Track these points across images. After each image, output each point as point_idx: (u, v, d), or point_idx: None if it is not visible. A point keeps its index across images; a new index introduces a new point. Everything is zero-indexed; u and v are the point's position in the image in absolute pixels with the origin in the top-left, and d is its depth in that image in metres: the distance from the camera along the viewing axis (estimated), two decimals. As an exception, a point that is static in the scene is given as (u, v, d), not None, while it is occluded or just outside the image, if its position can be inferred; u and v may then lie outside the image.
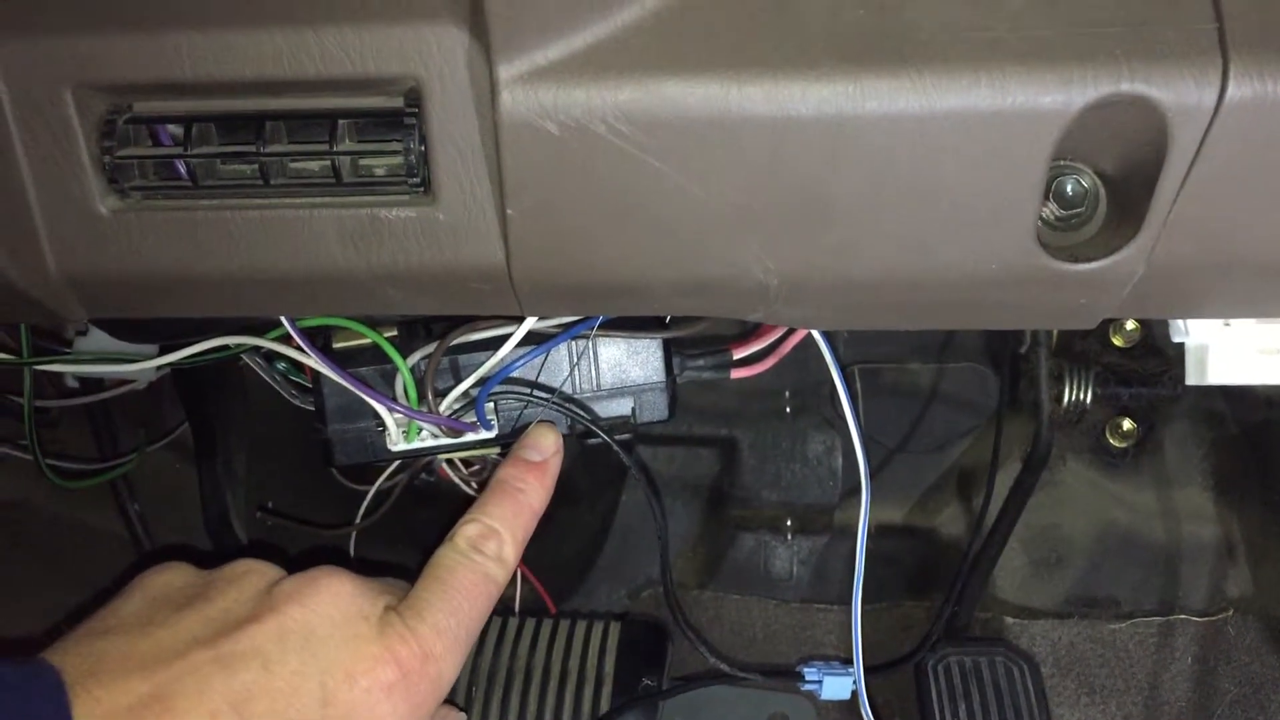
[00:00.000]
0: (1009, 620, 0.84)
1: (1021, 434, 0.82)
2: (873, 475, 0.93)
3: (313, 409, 0.63)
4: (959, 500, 0.91)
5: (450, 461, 0.82)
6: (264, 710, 0.47)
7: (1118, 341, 0.86)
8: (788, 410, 0.94)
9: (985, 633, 0.83)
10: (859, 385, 0.94)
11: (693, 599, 0.90)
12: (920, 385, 0.94)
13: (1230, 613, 0.82)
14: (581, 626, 0.73)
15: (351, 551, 0.82)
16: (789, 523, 0.93)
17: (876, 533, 0.92)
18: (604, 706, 0.70)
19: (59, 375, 0.77)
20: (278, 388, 0.65)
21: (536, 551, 0.88)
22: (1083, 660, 0.82)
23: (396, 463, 0.79)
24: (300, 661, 0.49)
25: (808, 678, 0.73)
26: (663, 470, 0.94)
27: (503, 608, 0.83)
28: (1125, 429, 0.87)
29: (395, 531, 0.86)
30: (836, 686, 0.71)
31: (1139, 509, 0.87)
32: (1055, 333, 0.82)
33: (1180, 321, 0.56)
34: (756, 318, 0.52)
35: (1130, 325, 0.85)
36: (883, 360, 0.94)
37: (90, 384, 0.78)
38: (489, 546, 0.58)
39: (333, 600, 0.52)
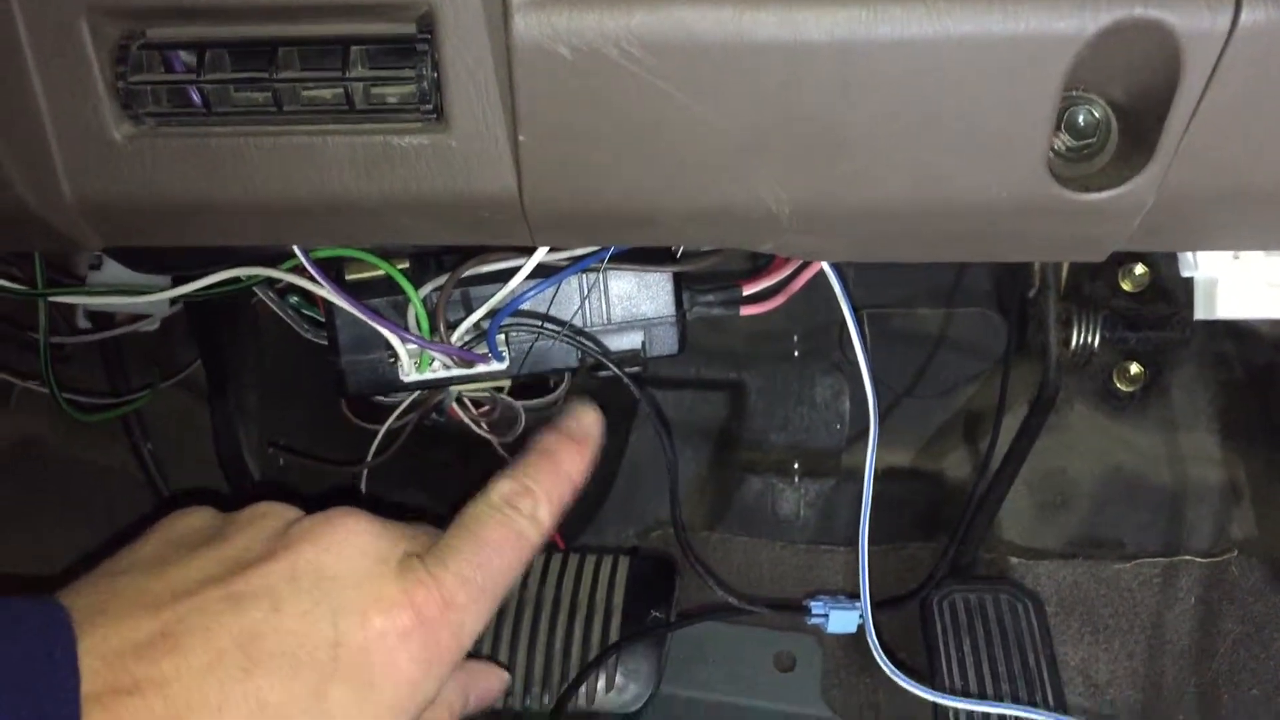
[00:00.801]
0: (1014, 560, 0.85)
1: (1029, 378, 0.83)
2: (880, 419, 0.94)
3: (325, 343, 0.63)
4: (966, 444, 0.92)
5: (460, 401, 0.82)
6: (272, 649, 0.45)
7: (1126, 286, 0.86)
8: (796, 354, 0.94)
9: (990, 572, 0.84)
10: (867, 330, 0.94)
11: (700, 541, 0.91)
12: (928, 330, 0.94)
13: (1234, 554, 0.83)
14: (591, 561, 0.74)
15: (363, 491, 0.83)
16: (796, 466, 0.93)
17: (883, 475, 0.92)
18: (613, 638, 0.71)
19: (71, 313, 0.78)
20: (290, 322, 0.65)
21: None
22: (1086, 600, 0.83)
23: (406, 402, 0.80)
24: (312, 601, 0.48)
25: (814, 611, 0.74)
26: (671, 413, 0.95)
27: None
28: (1132, 373, 0.88)
29: (406, 472, 0.87)
30: (843, 620, 0.72)
31: (1145, 452, 0.88)
32: (1064, 276, 0.82)
33: (1189, 255, 0.56)
34: (768, 248, 0.52)
35: (1139, 270, 0.85)
36: (891, 305, 0.94)
37: (102, 323, 0.78)
38: (524, 504, 0.57)
39: (349, 540, 0.51)
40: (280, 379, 0.83)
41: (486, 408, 0.87)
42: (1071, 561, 0.84)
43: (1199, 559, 0.83)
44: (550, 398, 0.86)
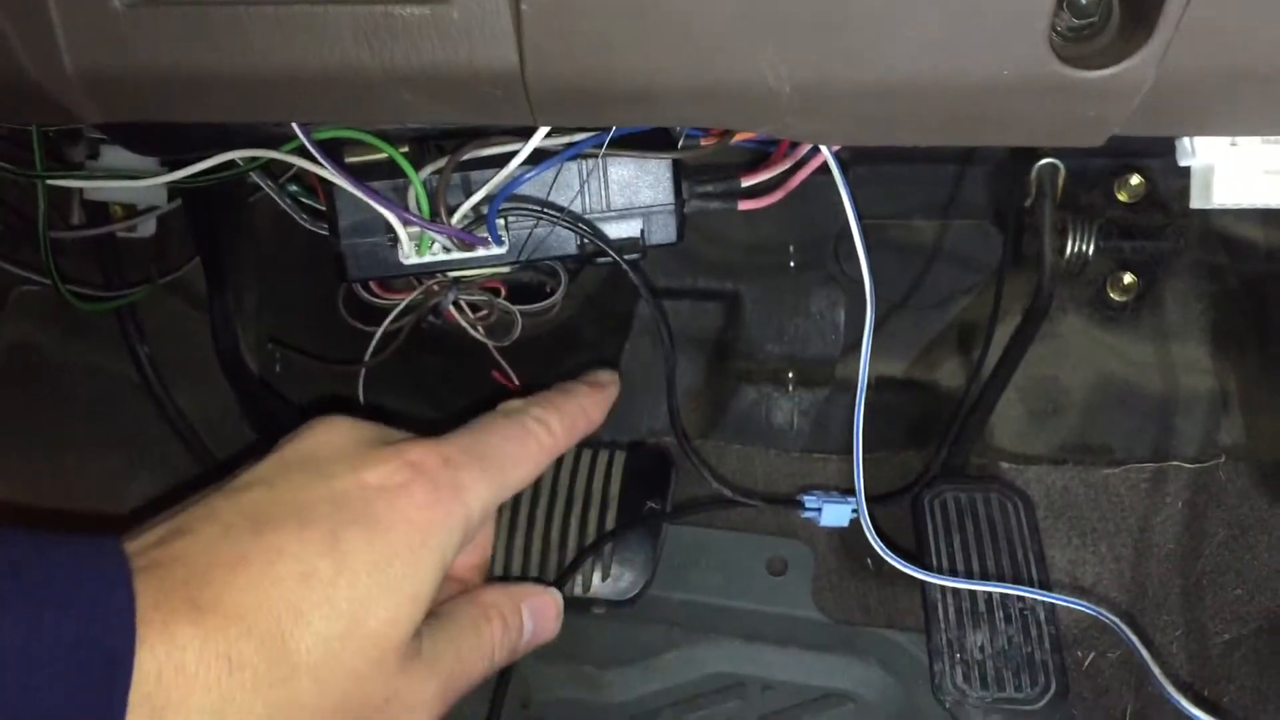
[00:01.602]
0: (1004, 465, 0.86)
1: (1023, 290, 0.83)
2: (876, 330, 0.94)
3: (325, 233, 0.64)
4: (960, 354, 0.93)
5: (457, 305, 0.83)
6: (276, 514, 0.47)
7: (1122, 197, 0.86)
8: (792, 265, 0.95)
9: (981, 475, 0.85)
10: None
11: (694, 448, 0.92)
12: (924, 242, 0.94)
13: (1222, 460, 0.84)
14: (587, 454, 0.75)
15: (360, 393, 0.83)
16: (791, 375, 0.94)
17: (877, 385, 0.93)
18: (609, 528, 0.72)
19: (68, 210, 0.78)
20: (289, 210, 0.65)
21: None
22: (1075, 504, 0.84)
23: (403, 304, 0.80)
24: (305, 476, 0.49)
25: (807, 505, 0.74)
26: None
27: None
28: (1126, 283, 0.88)
29: (402, 375, 0.87)
30: (836, 514, 0.73)
31: (1136, 361, 0.88)
32: (1060, 186, 0.82)
33: (1187, 142, 0.56)
34: (768, 130, 0.52)
35: (1135, 180, 0.86)
36: (887, 217, 0.94)
37: (98, 220, 0.78)
38: (533, 411, 0.59)
39: (333, 429, 0.53)
40: (278, 280, 0.83)
41: (483, 312, 0.87)
42: (1061, 467, 0.85)
43: (1187, 465, 0.84)
44: (547, 302, 0.87)
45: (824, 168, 0.62)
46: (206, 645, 0.42)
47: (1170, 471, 0.84)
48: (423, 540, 0.48)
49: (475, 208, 0.59)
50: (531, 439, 0.57)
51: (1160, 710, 0.78)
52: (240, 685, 0.42)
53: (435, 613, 0.52)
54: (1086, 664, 0.80)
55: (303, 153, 0.56)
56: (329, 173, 0.55)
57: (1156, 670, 0.59)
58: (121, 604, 0.41)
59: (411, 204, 0.58)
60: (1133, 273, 0.88)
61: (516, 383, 0.86)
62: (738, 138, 0.61)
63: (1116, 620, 0.64)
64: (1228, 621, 0.79)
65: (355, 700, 0.46)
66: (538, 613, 0.59)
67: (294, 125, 0.54)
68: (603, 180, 0.61)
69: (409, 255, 0.61)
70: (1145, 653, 0.61)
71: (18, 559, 0.40)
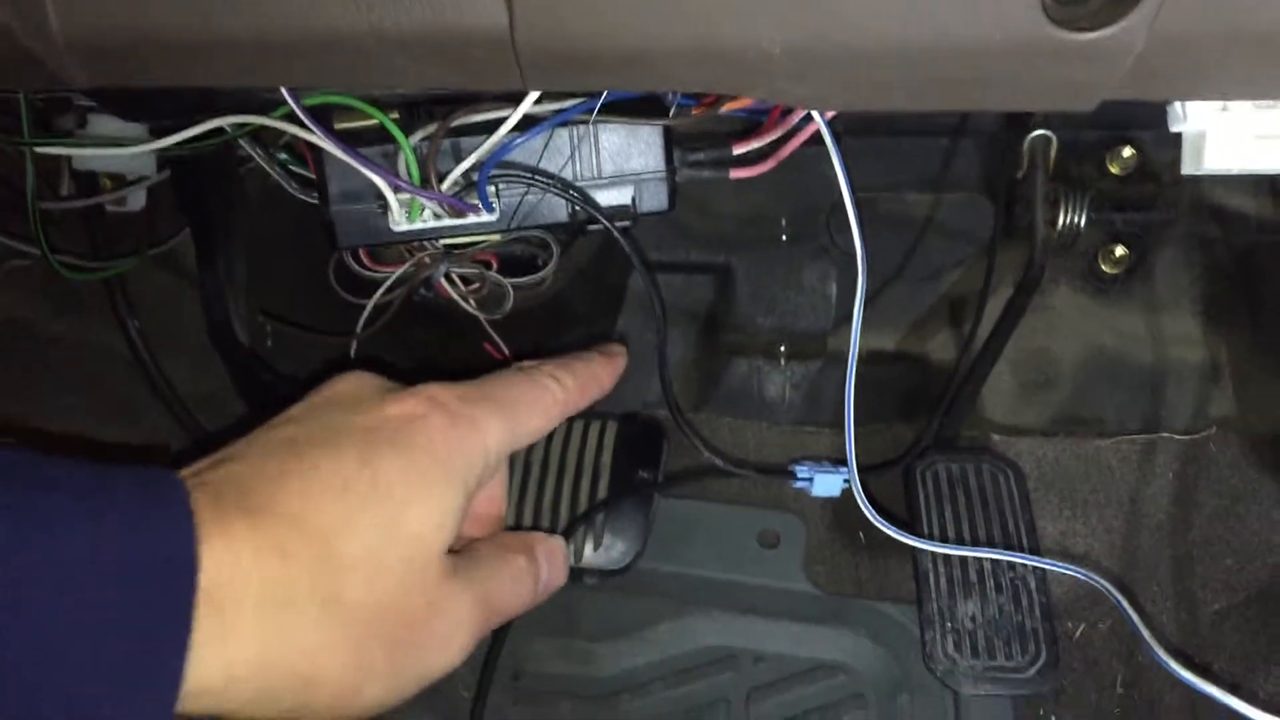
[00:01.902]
0: (996, 438, 0.86)
1: (1015, 262, 0.83)
2: (868, 303, 0.94)
3: (315, 202, 0.63)
4: (951, 327, 0.93)
5: (449, 278, 0.82)
6: (308, 441, 0.50)
7: (1114, 169, 0.86)
8: (784, 238, 0.94)
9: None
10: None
11: (687, 421, 0.92)
12: (916, 215, 0.94)
13: (1212, 431, 0.84)
14: (579, 425, 0.75)
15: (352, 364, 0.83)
16: (783, 348, 0.94)
17: (868, 358, 0.93)
18: (601, 497, 0.72)
19: (56, 180, 0.77)
20: (279, 178, 0.65)
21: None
22: (1066, 475, 0.84)
23: (394, 276, 0.80)
24: (328, 416, 0.53)
25: (799, 475, 0.74)
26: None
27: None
28: (1117, 255, 0.88)
29: (393, 348, 0.87)
30: (827, 483, 0.73)
31: (1128, 333, 0.89)
32: (1052, 158, 0.82)
33: (1178, 108, 0.56)
34: (760, 95, 0.52)
35: (1126, 152, 0.86)
36: (880, 190, 0.94)
37: (87, 190, 0.78)
38: (545, 368, 0.62)
39: (355, 378, 0.57)
40: (269, 252, 0.83)
41: (475, 285, 0.87)
42: (1052, 439, 0.85)
43: (1178, 436, 0.84)
44: (539, 275, 0.86)
45: (815, 139, 0.62)
46: (261, 540, 0.45)
47: (1161, 443, 0.84)
48: (448, 459, 0.52)
49: (465, 174, 0.58)
50: (546, 392, 0.61)
51: (1150, 681, 0.78)
52: (293, 577, 0.45)
53: (462, 551, 0.56)
54: (1077, 635, 0.81)
55: (292, 119, 0.56)
56: (318, 138, 0.55)
57: (1146, 633, 0.60)
58: (179, 513, 0.43)
59: (402, 170, 0.58)
60: (1124, 245, 0.88)
61: (508, 354, 0.86)
62: (729, 106, 0.61)
63: (1106, 584, 0.64)
64: (1218, 591, 0.80)
65: (399, 601, 0.49)
66: (550, 556, 0.62)
67: (283, 91, 0.53)
68: (594, 147, 0.61)
69: (399, 222, 0.60)
70: (1135, 617, 0.62)
71: (79, 484, 0.42)
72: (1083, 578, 0.67)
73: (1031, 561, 0.69)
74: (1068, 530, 0.83)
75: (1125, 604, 0.64)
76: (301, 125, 0.55)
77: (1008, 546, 0.71)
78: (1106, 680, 0.79)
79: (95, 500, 0.42)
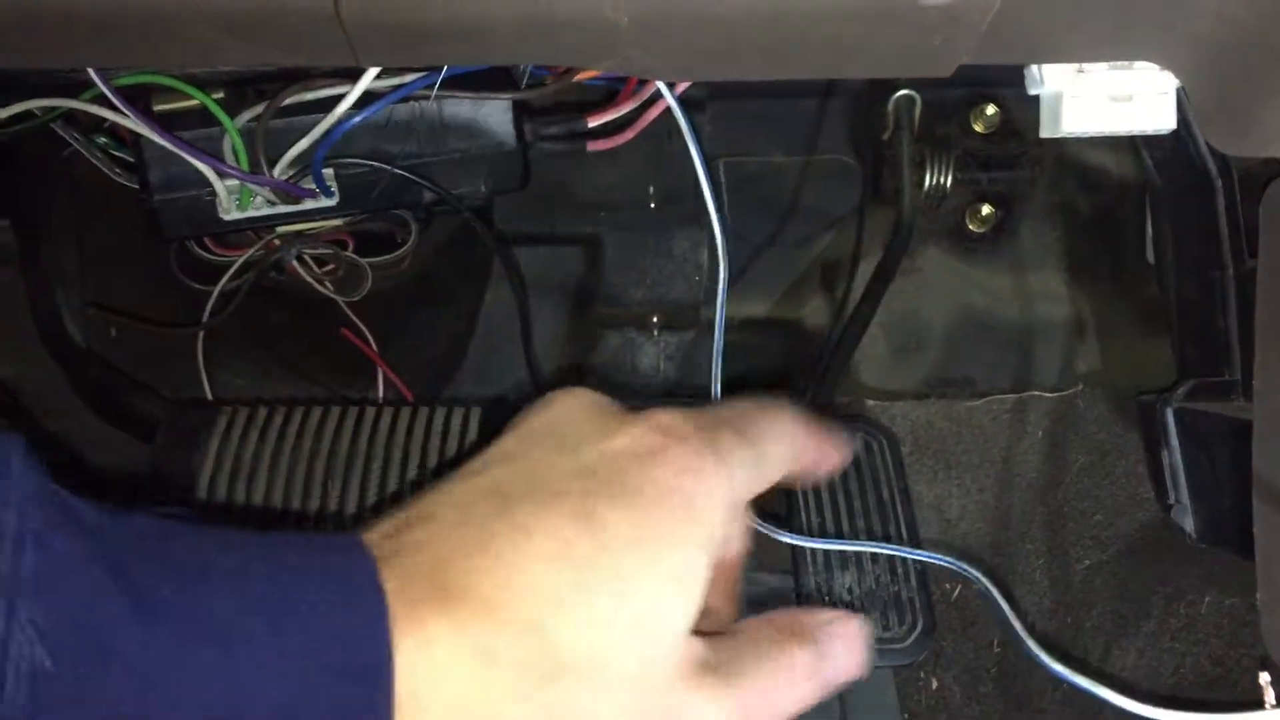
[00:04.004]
0: (869, 403, 0.86)
1: (885, 225, 0.83)
2: (740, 271, 0.93)
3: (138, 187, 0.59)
4: (824, 292, 0.92)
5: (301, 259, 0.78)
6: (520, 490, 0.41)
7: (978, 127, 0.86)
8: (653, 207, 0.92)
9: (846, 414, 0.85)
10: (724, 179, 0.93)
11: None
12: (786, 178, 0.93)
13: (1080, 387, 0.85)
14: (442, 413, 0.72)
15: (200, 361, 0.79)
16: (655, 319, 0.92)
17: (741, 326, 0.92)
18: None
19: None
20: (98, 164, 0.60)
21: (398, 353, 0.86)
22: (940, 438, 0.84)
23: (241, 260, 0.76)
24: (545, 450, 0.43)
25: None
26: (526, 271, 0.92)
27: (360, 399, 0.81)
28: (984, 214, 0.88)
29: (246, 338, 0.83)
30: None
31: (995, 292, 0.89)
32: (917, 118, 0.81)
33: (1035, 70, 0.55)
34: (608, 67, 0.49)
35: (990, 110, 0.86)
36: (747, 154, 0.92)
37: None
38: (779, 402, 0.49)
39: (573, 399, 0.46)
40: (104, 240, 0.78)
41: (330, 265, 0.83)
42: (925, 401, 0.86)
43: (1047, 394, 0.85)
44: (398, 254, 0.83)
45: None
46: (460, 638, 0.37)
47: (1031, 401, 0.85)
48: (686, 511, 0.41)
49: (299, 157, 0.55)
50: (786, 422, 0.47)
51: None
52: (501, 682, 0.37)
53: (712, 634, 0.44)
54: (955, 596, 0.81)
55: (105, 101, 0.52)
56: (132, 122, 0.51)
57: (1018, 627, 0.59)
58: (373, 605, 0.36)
59: (228, 154, 0.54)
60: (990, 204, 0.88)
61: (372, 343, 0.83)
62: (581, 76, 0.58)
63: (977, 574, 0.64)
64: (1088, 548, 0.81)
65: (633, 708, 0.39)
66: (842, 643, 0.47)
67: (90, 71, 0.49)
68: (438, 124, 0.58)
69: (229, 210, 0.56)
70: (1006, 607, 0.61)
71: (261, 568, 0.36)
72: (955, 567, 0.66)
73: (908, 555, 0.68)
74: (943, 493, 0.83)
75: (998, 595, 0.64)
76: (114, 108, 0.51)
77: (883, 518, 0.71)
78: (984, 640, 0.80)
79: (278, 583, 0.36)
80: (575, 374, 0.92)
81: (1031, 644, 0.55)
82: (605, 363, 0.92)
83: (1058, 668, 0.53)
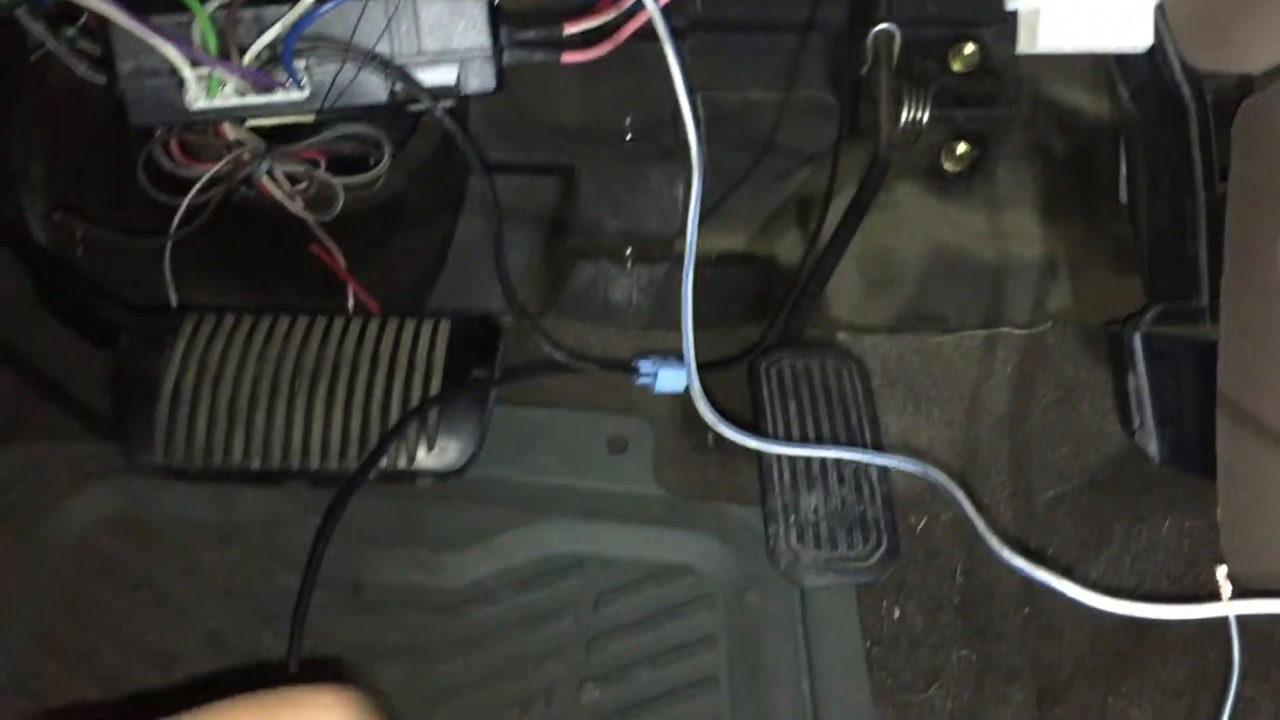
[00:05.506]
0: (841, 336, 0.86)
1: (861, 161, 0.82)
2: (715, 205, 0.93)
3: (105, 82, 0.58)
4: (799, 227, 0.92)
5: (272, 176, 0.77)
6: None
7: (956, 66, 0.86)
8: (629, 138, 0.92)
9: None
10: (702, 114, 0.92)
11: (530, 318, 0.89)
12: (763, 114, 0.92)
13: (1049, 325, 0.85)
14: (411, 324, 0.71)
15: (166, 270, 0.77)
16: (629, 251, 0.92)
17: (717, 260, 0.92)
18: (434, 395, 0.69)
19: None
20: (63, 57, 0.59)
21: (368, 278, 0.85)
22: (909, 372, 0.85)
23: (210, 173, 0.75)
24: None
25: (643, 370, 0.73)
26: (502, 199, 0.91)
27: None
28: (959, 152, 0.88)
29: (212, 254, 0.82)
30: (671, 379, 0.72)
31: (969, 230, 0.89)
32: (895, 54, 0.81)
33: (1014, -14, 0.55)
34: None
35: (968, 49, 0.85)
36: (725, 88, 0.92)
37: None
38: None
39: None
40: (70, 146, 0.76)
41: (302, 184, 0.82)
42: (896, 335, 0.86)
43: (1017, 330, 0.86)
44: (371, 174, 0.82)
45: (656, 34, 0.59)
46: None
47: (1001, 337, 0.86)
48: None
49: (270, 45, 0.54)
50: None
51: (988, 567, 0.79)
52: None
53: None
54: (919, 529, 0.82)
55: (72, -17, 0.51)
56: (100, 5, 0.50)
57: (980, 524, 0.60)
58: None
59: (196, 39, 0.53)
60: (966, 142, 0.88)
61: (341, 260, 0.82)
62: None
63: (943, 479, 0.64)
64: (1053, 479, 0.82)
65: None
66: None
67: (57, -51, 0.48)
68: (413, 21, 0.57)
69: (197, 99, 0.55)
70: (970, 509, 0.62)
71: None
72: (920, 472, 0.67)
73: (872, 459, 0.69)
74: (911, 425, 0.83)
75: (961, 497, 0.64)
76: (81, -11, 0.50)
77: (851, 442, 0.71)
78: (947, 570, 0.80)
79: None
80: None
81: (992, 539, 0.56)
82: (578, 293, 0.92)
83: (1019, 562, 0.53)
